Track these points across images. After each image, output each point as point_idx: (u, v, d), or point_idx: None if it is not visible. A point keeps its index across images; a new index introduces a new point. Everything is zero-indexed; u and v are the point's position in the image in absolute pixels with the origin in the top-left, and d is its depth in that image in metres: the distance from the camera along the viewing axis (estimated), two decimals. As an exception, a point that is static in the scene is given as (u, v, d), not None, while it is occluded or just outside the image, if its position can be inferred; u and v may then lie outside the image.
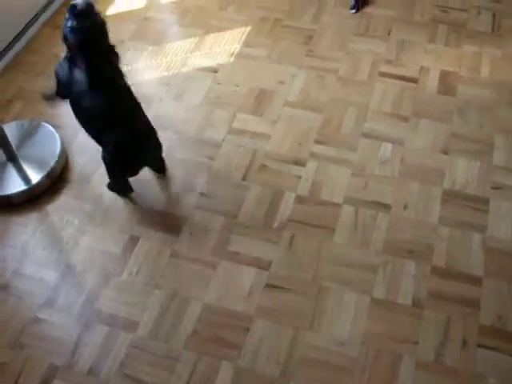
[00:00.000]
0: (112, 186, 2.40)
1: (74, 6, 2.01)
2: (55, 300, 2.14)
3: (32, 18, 3.05)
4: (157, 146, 2.32)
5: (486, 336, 1.97)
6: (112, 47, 2.14)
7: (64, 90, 2.19)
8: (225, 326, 2.04)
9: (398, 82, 2.71)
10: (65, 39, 2.07)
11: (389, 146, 2.48)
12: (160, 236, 2.26)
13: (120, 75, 2.18)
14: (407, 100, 2.63)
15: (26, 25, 3.02)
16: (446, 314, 2.02)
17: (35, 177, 2.42)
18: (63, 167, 2.50)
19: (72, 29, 2.02)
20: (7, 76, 2.88)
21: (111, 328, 2.06)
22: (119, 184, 2.38)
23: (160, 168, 2.45)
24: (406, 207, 2.28)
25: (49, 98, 2.44)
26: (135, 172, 2.31)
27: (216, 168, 2.45)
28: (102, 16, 2.08)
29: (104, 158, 2.23)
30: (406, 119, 2.56)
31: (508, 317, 2.01)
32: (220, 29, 3.01)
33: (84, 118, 2.20)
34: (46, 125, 2.58)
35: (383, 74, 2.75)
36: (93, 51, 2.07)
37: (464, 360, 1.92)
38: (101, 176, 2.43)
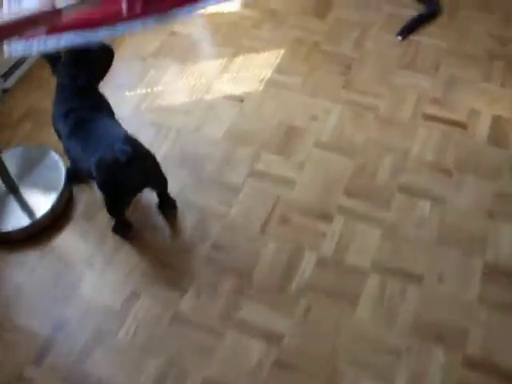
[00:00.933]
0: (116, 228, 2.19)
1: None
2: (44, 357, 1.95)
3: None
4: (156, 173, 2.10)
5: None
6: None
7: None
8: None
9: (443, 126, 2.43)
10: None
11: (427, 204, 2.21)
12: (164, 294, 2.04)
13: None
14: (452, 149, 2.35)
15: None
16: (476, 418, 1.77)
17: (37, 211, 2.22)
18: (67, 200, 2.29)
19: None
20: (18, 93, 2.69)
21: (101, 398, 1.86)
22: (119, 221, 2.18)
23: (166, 204, 2.24)
24: (440, 280, 2.02)
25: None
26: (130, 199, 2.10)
27: (232, 216, 2.21)
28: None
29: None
30: (449, 173, 2.28)
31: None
32: (251, 49, 2.75)
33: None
34: (53, 153, 2.37)
35: (428, 116, 2.46)
36: None
37: None
38: (105, 216, 2.22)
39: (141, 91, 2.63)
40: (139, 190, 2.08)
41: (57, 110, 2.12)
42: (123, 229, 2.19)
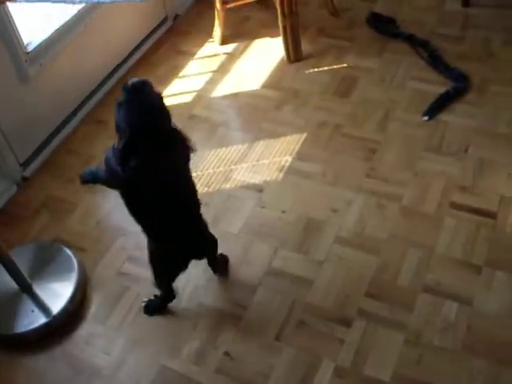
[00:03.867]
0: (155, 307, 2.16)
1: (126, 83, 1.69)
2: None
3: (71, 113, 2.83)
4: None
5: None
6: (177, 132, 1.77)
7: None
8: None
9: (472, 216, 2.29)
10: (116, 127, 1.71)
11: (454, 305, 2.07)
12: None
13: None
14: (482, 243, 2.22)
15: (64, 120, 2.80)
16: None
17: (51, 311, 2.18)
18: (80, 301, 2.24)
19: (120, 104, 1.67)
20: (38, 180, 2.67)
21: None
22: (165, 291, 2.11)
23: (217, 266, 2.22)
24: (464, 396, 1.88)
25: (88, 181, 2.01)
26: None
27: (247, 320, 2.11)
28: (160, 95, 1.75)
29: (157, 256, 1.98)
30: (478, 270, 2.15)
31: None
32: (272, 134, 2.68)
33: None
34: (67, 250, 2.33)
35: (455, 206, 2.33)
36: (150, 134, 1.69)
37: None
38: (117, 317, 2.16)
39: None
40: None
41: None
42: (166, 298, 2.15)
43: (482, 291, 2.10)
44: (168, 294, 2.12)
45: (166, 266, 2.03)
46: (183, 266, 2.03)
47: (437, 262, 2.19)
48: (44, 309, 2.20)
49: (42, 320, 2.17)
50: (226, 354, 2.04)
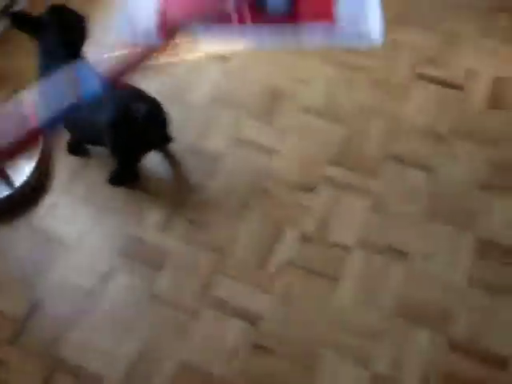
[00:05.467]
0: (119, 178, 2.14)
1: None
2: (18, 339, 1.89)
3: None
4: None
5: None
6: None
7: None
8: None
9: (438, 88, 2.28)
10: None
11: (419, 173, 2.09)
12: (139, 272, 1.97)
13: None
14: (448, 113, 2.21)
15: None
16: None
17: (15, 182, 2.17)
18: (45, 172, 2.20)
19: None
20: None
21: (75, 381, 1.81)
22: (129, 172, 2.12)
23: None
24: (427, 258, 1.92)
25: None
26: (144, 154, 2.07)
27: (212, 189, 2.11)
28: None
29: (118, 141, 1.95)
30: (443, 139, 2.15)
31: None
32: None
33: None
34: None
35: (422, 77, 2.31)
36: None
37: None
38: (82, 188, 2.14)
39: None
40: (155, 146, 2.08)
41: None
42: (130, 178, 2.14)
43: (445, 160, 2.11)
44: (133, 171, 2.11)
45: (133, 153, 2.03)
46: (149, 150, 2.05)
47: (403, 131, 2.18)
48: (7, 182, 2.17)
49: (4, 192, 2.14)
50: (192, 221, 2.05)
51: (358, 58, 2.36)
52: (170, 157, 2.18)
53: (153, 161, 2.18)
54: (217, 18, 1.66)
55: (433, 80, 2.30)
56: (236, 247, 1.98)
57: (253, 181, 2.11)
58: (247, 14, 1.63)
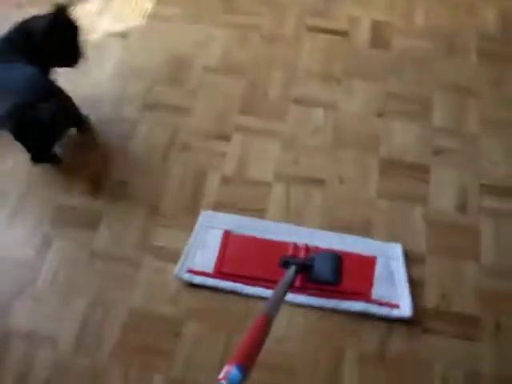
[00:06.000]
0: (37, 159, 2.14)
1: None
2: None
3: None
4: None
5: (430, 319, 1.86)
6: None
7: None
8: (153, 332, 1.87)
9: (327, 36, 2.49)
10: None
11: (320, 111, 2.28)
12: (76, 235, 2.04)
13: None
14: (338, 57, 2.43)
15: None
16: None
17: None
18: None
19: None
20: None
21: (29, 346, 1.86)
22: (45, 155, 2.15)
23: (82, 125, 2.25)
24: (341, 181, 2.12)
25: None
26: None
27: (134, 150, 2.22)
28: None
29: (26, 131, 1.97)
30: (337, 80, 2.36)
31: (452, 295, 1.89)
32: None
33: None
34: None
35: (311, 28, 2.52)
36: None
37: (409, 348, 1.81)
38: (8, 164, 2.20)
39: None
40: (63, 133, 2.11)
41: None
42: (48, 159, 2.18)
43: (343, 96, 2.32)
44: (49, 155, 2.17)
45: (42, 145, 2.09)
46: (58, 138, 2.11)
47: (300, 77, 2.38)
48: None
49: None
50: (120, 181, 2.14)
51: (247, 19, 2.54)
52: (88, 130, 2.26)
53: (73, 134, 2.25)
54: None
55: (321, 30, 2.50)
56: (166, 198, 2.10)
57: (171, 137, 2.23)
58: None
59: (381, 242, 1.97)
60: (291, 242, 1.96)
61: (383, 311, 1.84)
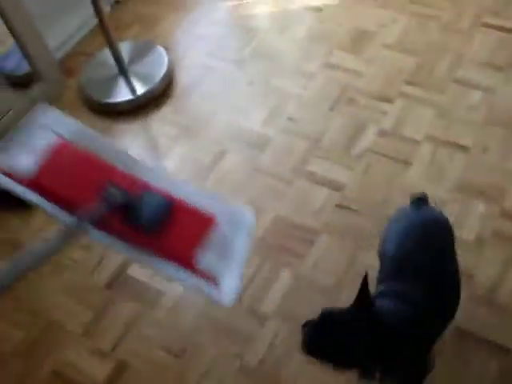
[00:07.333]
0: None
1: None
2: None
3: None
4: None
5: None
6: None
7: None
8: (292, 237, 2.19)
9: (499, 33, 2.71)
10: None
11: (479, 93, 2.51)
12: (247, 152, 2.44)
13: None
14: (505, 51, 2.64)
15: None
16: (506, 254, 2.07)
17: (141, 90, 2.66)
18: (168, 84, 2.72)
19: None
20: (129, 3, 3.16)
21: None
22: None
23: None
24: (485, 151, 2.32)
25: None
26: None
27: (306, 97, 2.58)
28: None
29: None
30: (500, 69, 2.57)
31: None
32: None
33: None
34: (159, 47, 2.81)
35: (485, 24, 2.75)
36: None
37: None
38: (201, 94, 2.64)
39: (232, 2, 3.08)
40: None
41: None
42: None
43: (502, 85, 2.52)
44: None
45: None
46: None
47: (466, 63, 2.61)
48: (131, 89, 2.68)
49: (128, 97, 2.68)
50: (289, 118, 2.52)
51: (429, 9, 2.84)
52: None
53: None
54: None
55: (494, 27, 2.74)
56: (326, 137, 2.43)
57: (341, 93, 2.57)
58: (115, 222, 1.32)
59: (232, 205, 1.46)
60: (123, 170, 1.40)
61: (203, 287, 1.31)
